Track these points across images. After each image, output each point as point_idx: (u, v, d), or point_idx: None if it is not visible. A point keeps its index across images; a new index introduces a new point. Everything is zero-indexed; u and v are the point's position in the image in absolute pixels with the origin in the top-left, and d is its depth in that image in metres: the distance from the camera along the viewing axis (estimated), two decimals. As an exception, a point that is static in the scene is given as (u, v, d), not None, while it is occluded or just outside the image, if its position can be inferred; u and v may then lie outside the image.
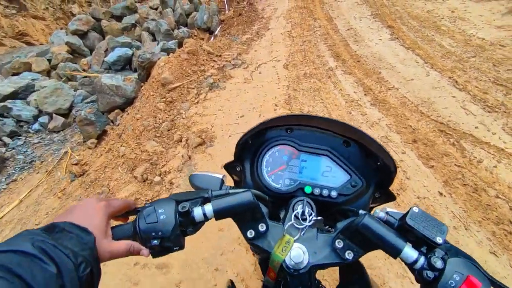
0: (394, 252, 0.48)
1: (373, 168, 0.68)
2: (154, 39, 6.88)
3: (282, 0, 7.61)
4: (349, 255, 0.52)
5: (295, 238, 0.54)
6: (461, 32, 4.40)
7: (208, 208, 0.54)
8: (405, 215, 0.51)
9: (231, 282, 0.81)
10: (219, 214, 0.54)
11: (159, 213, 0.51)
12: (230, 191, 0.59)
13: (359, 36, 4.84)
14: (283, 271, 0.53)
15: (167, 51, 5.43)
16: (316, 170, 0.69)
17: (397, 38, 4.53)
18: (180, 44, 6.00)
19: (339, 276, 0.71)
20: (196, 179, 0.69)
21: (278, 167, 0.70)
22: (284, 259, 0.52)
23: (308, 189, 0.66)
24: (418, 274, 0.47)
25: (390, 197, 0.70)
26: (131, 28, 7.33)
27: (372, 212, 0.58)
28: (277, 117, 0.66)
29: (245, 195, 0.54)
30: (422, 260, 0.47)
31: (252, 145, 0.72)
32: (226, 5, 7.79)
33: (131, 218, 0.57)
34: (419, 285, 0.49)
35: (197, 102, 3.64)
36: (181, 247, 0.54)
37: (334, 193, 0.66)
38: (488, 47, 3.89)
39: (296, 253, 0.51)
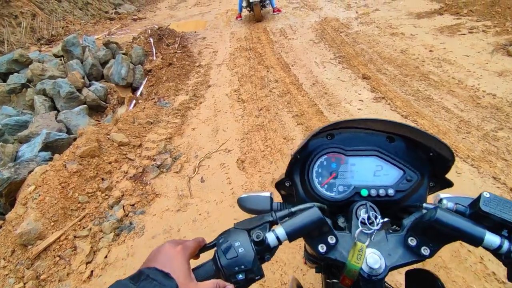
0: (476, 241, 0.46)
1: (425, 159, 0.64)
2: (54, 106, 4.88)
3: (222, 39, 6.11)
4: (425, 251, 0.50)
5: (366, 244, 0.50)
6: (458, 84, 3.27)
7: (280, 231, 0.51)
8: (476, 202, 0.49)
9: (297, 280, 0.77)
10: (292, 236, 0.51)
11: (236, 246, 0.48)
12: (293, 209, 0.57)
13: (331, 95, 3.49)
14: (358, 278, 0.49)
15: (55, 145, 3.51)
16: (367, 171, 0.65)
17: (383, 98, 3.26)
18: (92, 109, 4.13)
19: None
20: (246, 202, 0.68)
21: (329, 176, 0.66)
22: (361, 266, 0.48)
23: (364, 192, 0.63)
24: (505, 258, 0.45)
25: (447, 184, 0.65)
26: (20, 90, 5.20)
27: (429, 202, 0.59)
28: (319, 128, 0.64)
29: (313, 212, 0.52)
30: (506, 244, 0.44)
31: (300, 159, 0.68)
32: (154, 48, 6.07)
33: (202, 254, 0.54)
34: None
35: (90, 276, 1.89)
36: (262, 275, 0.49)
37: (391, 191, 0.62)
38: (509, 109, 2.76)
39: (372, 260, 0.48)
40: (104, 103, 5.19)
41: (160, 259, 0.46)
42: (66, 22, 11.11)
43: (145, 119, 3.57)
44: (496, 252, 0.46)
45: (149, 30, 6.84)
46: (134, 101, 4.45)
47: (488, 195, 0.48)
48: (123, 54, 6.00)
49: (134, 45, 6.33)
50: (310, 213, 0.52)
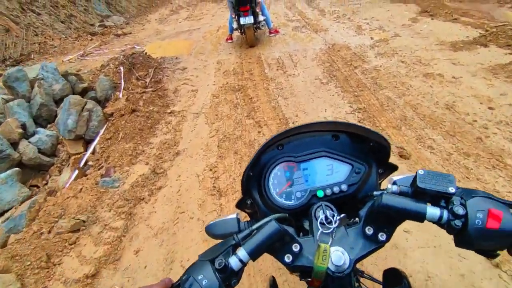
0: (420, 217, 0.48)
1: (368, 150, 0.67)
2: (-23, 169, 3.58)
3: (206, 71, 4.80)
4: (382, 237, 0.52)
5: (329, 243, 0.51)
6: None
7: (242, 253, 0.50)
8: (414, 180, 0.51)
9: (273, 278, 0.77)
10: (254, 254, 0.51)
11: (199, 279, 0.46)
12: (254, 226, 0.55)
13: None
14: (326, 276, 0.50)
15: None
16: (320, 173, 0.67)
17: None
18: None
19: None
20: (213, 229, 0.66)
21: (285, 185, 0.67)
22: (328, 266, 0.48)
23: (320, 193, 0.65)
24: (447, 227, 0.47)
25: (393, 168, 0.68)
26: None
27: (383, 187, 0.59)
28: (266, 142, 0.66)
29: (270, 226, 0.51)
30: (445, 214, 0.47)
31: (254, 176, 0.69)
32: (122, 82, 4.75)
33: None
34: None
35: None
36: None
37: (344, 187, 0.65)
38: None
39: (336, 257, 0.49)
40: (48, 159, 3.86)
41: None
42: (45, 37, 9.78)
43: (71, 219, 2.26)
44: (439, 223, 0.47)
45: (121, 56, 5.52)
46: (76, 171, 3.13)
47: (422, 172, 0.50)
48: (84, 88, 4.71)
49: (100, 76, 5.01)
50: (267, 228, 0.51)
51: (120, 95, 4.52)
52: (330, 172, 0.67)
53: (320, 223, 0.56)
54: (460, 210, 0.45)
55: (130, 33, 9.71)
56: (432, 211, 0.47)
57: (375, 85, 3.52)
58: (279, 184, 0.67)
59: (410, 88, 3.32)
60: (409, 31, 4.86)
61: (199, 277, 0.46)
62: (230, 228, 0.64)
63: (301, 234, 0.60)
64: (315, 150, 0.68)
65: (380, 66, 3.93)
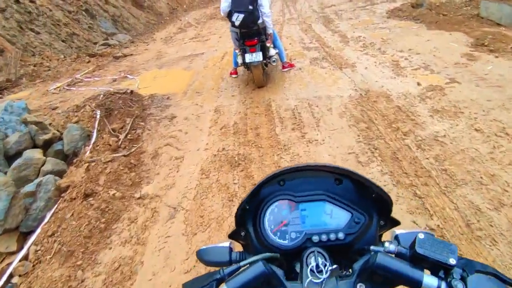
0: (415, 285, 0.43)
1: (370, 199, 0.61)
2: None
3: (199, 123, 3.59)
4: None
5: None
6: None
7: None
8: (413, 243, 0.46)
9: None
10: None
11: None
12: (242, 263, 0.53)
13: None
14: None
15: None
16: (318, 216, 0.62)
17: None
18: None
19: None
20: (204, 254, 0.63)
21: (280, 223, 0.61)
22: None
23: (315, 238, 0.58)
24: None
25: (395, 223, 0.62)
26: None
27: (384, 239, 0.57)
28: (268, 176, 0.62)
29: (256, 267, 0.48)
30: (443, 286, 0.42)
31: (250, 209, 0.64)
32: (95, 133, 3.61)
33: None
34: None
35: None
36: None
37: (341, 235, 0.58)
38: None
39: None
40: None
41: None
42: (42, 58, 8.83)
43: None
44: None
45: (101, 95, 4.40)
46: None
47: (422, 236, 0.46)
48: (47, 141, 3.61)
49: (69, 124, 3.89)
50: (254, 268, 0.48)
51: (87, 153, 3.35)
52: (329, 217, 0.61)
53: (311, 270, 0.50)
54: (459, 286, 0.40)
55: (131, 54, 8.69)
56: (429, 280, 0.42)
57: (445, 174, 2.21)
58: (275, 221, 0.62)
59: (509, 187, 2.00)
60: (469, 75, 3.53)
61: None
62: (221, 257, 0.61)
63: (292, 274, 0.56)
64: (316, 192, 0.62)
65: (444, 135, 2.62)
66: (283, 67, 4.73)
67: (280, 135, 3.05)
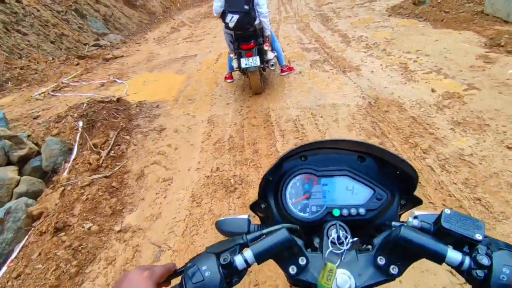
0: (439, 258, 0.43)
1: (394, 177, 0.61)
2: None
3: (191, 137, 3.19)
4: (394, 270, 0.46)
5: (336, 264, 0.48)
6: None
7: (248, 254, 0.48)
8: (439, 219, 0.46)
9: None
10: (260, 258, 0.48)
11: (203, 270, 0.45)
12: (264, 231, 0.52)
13: None
14: None
15: None
16: (339, 191, 0.62)
17: None
18: None
19: None
20: (223, 225, 0.65)
21: (302, 196, 0.62)
22: (332, 287, 0.45)
23: (336, 212, 0.59)
24: (467, 275, 0.42)
25: (417, 202, 0.63)
26: None
27: (402, 220, 0.56)
28: (291, 150, 0.62)
29: (280, 234, 0.48)
30: (467, 260, 0.42)
31: (273, 181, 0.65)
32: (75, 148, 3.19)
33: (173, 281, 0.49)
34: None
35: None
36: None
37: (362, 210, 0.58)
38: None
39: (342, 280, 0.45)
40: None
41: (125, 286, 0.43)
42: (29, 60, 8.33)
43: None
44: (458, 268, 0.43)
45: (84, 104, 3.97)
46: None
47: (449, 212, 0.46)
48: (23, 157, 3.23)
49: (48, 138, 3.50)
50: (277, 234, 0.49)
51: (65, 173, 2.94)
52: (350, 193, 0.61)
53: (331, 242, 0.51)
54: (484, 260, 0.40)
55: (122, 56, 8.23)
56: (453, 254, 0.42)
57: (480, 205, 1.84)
58: (296, 194, 0.63)
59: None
60: (488, 80, 3.16)
61: (203, 268, 0.46)
62: (240, 228, 0.62)
63: (309, 250, 0.53)
64: (339, 168, 0.62)
65: (471, 153, 2.25)
66: (282, 70, 4.33)
67: (281, 151, 2.66)
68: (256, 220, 0.68)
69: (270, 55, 3.77)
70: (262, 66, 3.73)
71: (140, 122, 3.59)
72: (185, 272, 0.46)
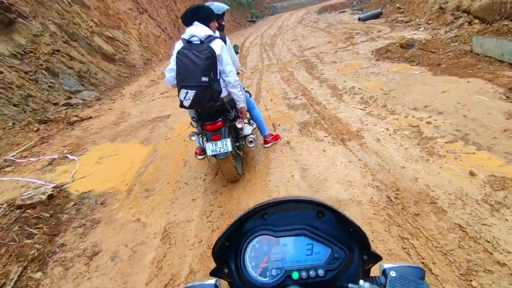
0: None
1: (349, 234, 0.58)
2: None
3: (132, 280, 2.10)
4: None
5: None
6: None
7: None
8: (386, 282, 0.47)
9: None
10: None
11: None
12: None
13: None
14: None
15: None
16: (299, 251, 0.57)
17: None
18: None
19: None
20: None
21: (262, 260, 0.57)
22: None
23: (295, 275, 0.54)
24: None
25: (376, 258, 0.58)
26: None
27: (373, 274, 0.56)
28: (250, 210, 0.59)
29: None
30: None
31: (232, 245, 0.60)
32: None
33: None
34: None
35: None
36: None
37: (321, 272, 0.54)
38: None
39: None
40: None
41: None
42: (-19, 127, 7.33)
43: None
44: None
45: (17, 209, 2.91)
46: None
47: (394, 275, 0.46)
48: None
49: None
50: None
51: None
52: (309, 253, 0.57)
53: None
54: None
55: (89, 118, 7.38)
56: None
57: None
58: (256, 258, 0.58)
59: None
60: (506, 139, 2.31)
61: None
62: None
63: None
64: (297, 227, 0.58)
65: None
66: (266, 141, 3.44)
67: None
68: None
69: (248, 129, 2.90)
70: (237, 144, 2.85)
71: (68, 238, 2.51)
72: None
